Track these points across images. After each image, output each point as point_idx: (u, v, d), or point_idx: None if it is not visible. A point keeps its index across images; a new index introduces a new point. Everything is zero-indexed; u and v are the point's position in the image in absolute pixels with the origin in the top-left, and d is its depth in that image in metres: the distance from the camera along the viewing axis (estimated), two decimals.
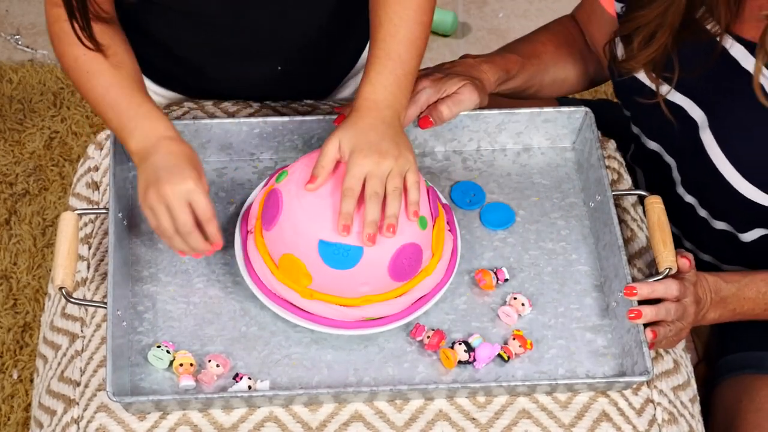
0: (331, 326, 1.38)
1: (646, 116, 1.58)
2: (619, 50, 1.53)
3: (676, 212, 1.60)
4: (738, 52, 1.44)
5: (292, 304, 1.38)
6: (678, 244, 1.64)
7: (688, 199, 1.57)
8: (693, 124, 1.50)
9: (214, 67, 1.61)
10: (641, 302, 1.39)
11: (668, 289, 1.39)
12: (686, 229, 1.63)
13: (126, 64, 1.44)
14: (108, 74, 1.42)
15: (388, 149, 1.34)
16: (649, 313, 1.37)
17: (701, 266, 1.63)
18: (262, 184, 1.48)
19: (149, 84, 1.62)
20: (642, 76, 1.52)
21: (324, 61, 1.65)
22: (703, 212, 1.56)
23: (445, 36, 2.76)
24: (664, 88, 1.49)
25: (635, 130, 1.63)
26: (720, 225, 1.55)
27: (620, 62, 1.52)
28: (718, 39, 1.44)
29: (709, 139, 1.48)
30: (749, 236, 1.53)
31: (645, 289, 1.38)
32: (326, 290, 1.36)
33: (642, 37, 1.46)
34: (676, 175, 1.58)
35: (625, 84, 1.55)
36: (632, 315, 1.36)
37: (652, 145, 1.60)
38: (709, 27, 1.44)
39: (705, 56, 1.45)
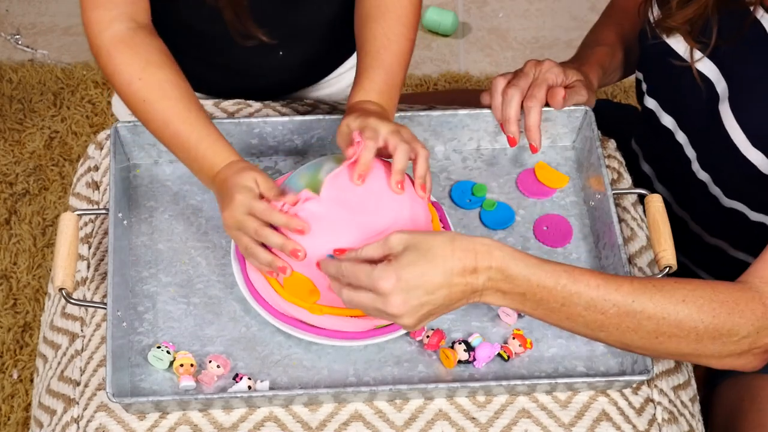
0: (345, 338, 1.37)
1: (669, 86, 1.57)
2: (655, 11, 1.52)
3: (687, 191, 1.60)
4: None
5: (302, 321, 1.38)
6: (685, 229, 1.64)
7: (702, 176, 1.56)
8: (715, 98, 1.49)
9: (227, 60, 1.63)
10: None
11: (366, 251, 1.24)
12: (695, 210, 1.62)
13: (177, 85, 1.41)
14: (165, 105, 1.39)
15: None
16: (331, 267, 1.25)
17: (707, 252, 1.63)
18: None
19: None
20: (674, 43, 1.51)
21: (328, 47, 1.69)
22: (715, 190, 1.55)
23: (445, 36, 2.76)
24: (697, 55, 1.49)
25: (651, 104, 1.61)
26: (731, 203, 1.54)
27: (657, 22, 1.52)
28: (752, 9, 1.43)
29: (726, 112, 1.47)
30: (759, 217, 1.52)
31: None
32: (335, 303, 1.35)
33: None
34: (690, 152, 1.57)
35: (656, 48, 1.54)
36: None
37: (667, 121, 1.59)
38: None
39: (738, 25, 1.45)
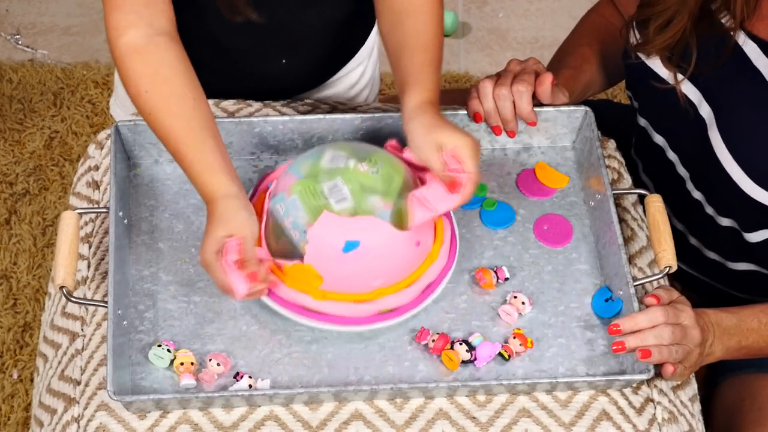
0: (347, 324, 1.37)
1: (656, 107, 1.57)
2: (635, 34, 1.53)
3: (683, 208, 1.60)
4: (751, 49, 1.43)
5: (304, 307, 1.38)
6: (684, 241, 1.64)
7: (696, 195, 1.56)
8: (701, 121, 1.50)
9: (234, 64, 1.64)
10: None
11: (653, 318, 1.35)
12: (693, 226, 1.62)
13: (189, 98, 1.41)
14: (169, 121, 1.39)
15: None
16: (632, 342, 1.34)
17: (706, 264, 1.63)
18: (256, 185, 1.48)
19: None
20: (656, 65, 1.52)
21: (329, 52, 1.69)
22: (709, 209, 1.55)
23: (445, 36, 2.76)
24: (679, 77, 1.49)
25: (642, 122, 1.62)
26: (726, 222, 1.54)
27: (635, 47, 1.52)
28: (732, 34, 1.43)
29: (716, 137, 1.47)
30: (755, 237, 1.52)
31: (628, 324, 1.35)
32: (338, 288, 1.36)
33: (659, 23, 1.46)
34: (683, 171, 1.57)
35: (639, 69, 1.54)
36: (615, 348, 1.35)
37: (658, 139, 1.60)
38: (724, 21, 1.44)
39: (718, 51, 1.45)
